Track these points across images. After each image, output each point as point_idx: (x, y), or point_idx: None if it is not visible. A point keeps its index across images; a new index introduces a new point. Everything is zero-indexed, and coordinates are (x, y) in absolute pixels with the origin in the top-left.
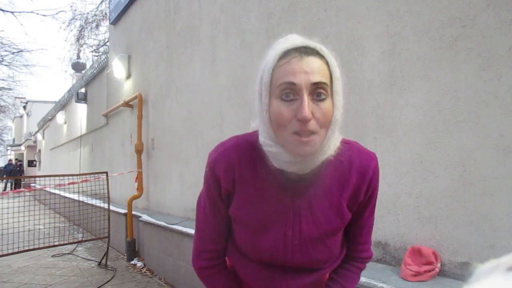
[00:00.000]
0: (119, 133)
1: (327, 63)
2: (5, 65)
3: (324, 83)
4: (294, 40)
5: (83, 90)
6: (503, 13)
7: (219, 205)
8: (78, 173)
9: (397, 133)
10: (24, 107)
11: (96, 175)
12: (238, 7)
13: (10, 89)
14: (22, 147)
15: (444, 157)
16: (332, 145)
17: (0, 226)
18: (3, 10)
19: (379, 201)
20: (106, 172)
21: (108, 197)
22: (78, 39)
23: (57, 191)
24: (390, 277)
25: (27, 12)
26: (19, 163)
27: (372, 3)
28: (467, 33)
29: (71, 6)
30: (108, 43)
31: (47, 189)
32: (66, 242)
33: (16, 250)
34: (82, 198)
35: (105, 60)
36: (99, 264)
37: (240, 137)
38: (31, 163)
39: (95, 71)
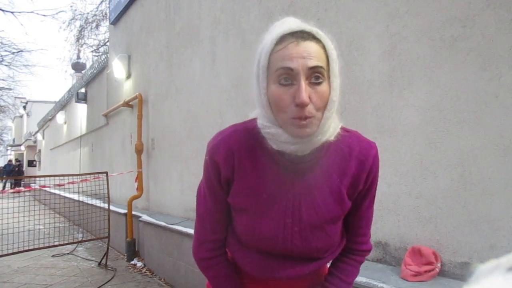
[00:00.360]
0: (119, 133)
1: (323, 47)
2: (5, 65)
3: (321, 67)
4: (290, 24)
5: (83, 90)
6: (503, 13)
7: (219, 193)
8: (78, 173)
9: (397, 133)
10: (24, 107)
11: (96, 175)
12: (238, 7)
13: (10, 89)
14: (22, 147)
15: (444, 157)
16: (331, 127)
17: (0, 226)
18: (3, 10)
19: (379, 201)
20: (106, 172)
21: (108, 197)
22: (78, 39)
23: (57, 191)
24: (390, 277)
25: (27, 12)
26: (17, 163)
27: (372, 3)
28: (467, 33)
29: (71, 6)
30: (108, 43)
31: (47, 189)
32: (66, 242)
33: (16, 250)
34: (82, 198)
35: (105, 60)
36: (99, 264)
37: (238, 124)
38: (31, 163)
39: (95, 71)
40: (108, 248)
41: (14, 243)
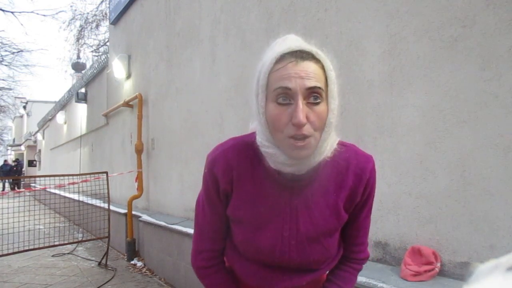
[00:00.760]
0: (119, 133)
1: (322, 67)
2: (5, 65)
3: (319, 88)
4: (291, 43)
5: (83, 90)
6: (503, 13)
7: (217, 205)
8: (78, 173)
9: (397, 133)
10: (24, 107)
11: (96, 175)
12: (238, 7)
13: (10, 89)
14: (22, 147)
15: (444, 157)
16: (328, 147)
17: (0, 226)
18: (3, 10)
19: (379, 201)
20: (106, 172)
21: (108, 197)
22: (78, 39)
23: (57, 191)
24: (390, 277)
25: (27, 12)
26: (14, 163)
27: (372, 3)
28: (467, 33)
29: (71, 6)
30: (108, 43)
31: (47, 189)
32: (66, 242)
33: (16, 250)
34: (82, 198)
35: (105, 60)
36: (99, 264)
37: (237, 138)
38: (31, 163)
39: (95, 71)
40: (108, 248)
41: (14, 243)
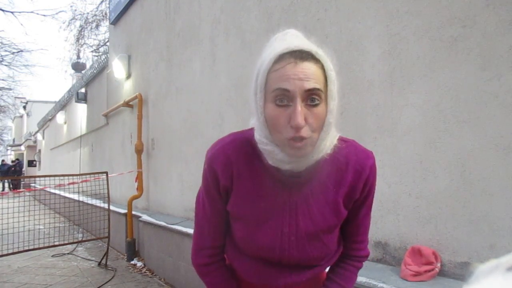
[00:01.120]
0: (119, 133)
1: (322, 67)
2: (5, 65)
3: (318, 89)
4: (290, 41)
5: (83, 90)
6: (503, 13)
7: (217, 201)
8: (78, 173)
9: (397, 133)
10: (24, 107)
11: (96, 175)
12: (238, 7)
13: (10, 89)
14: (22, 147)
15: (444, 157)
16: (327, 145)
17: (0, 226)
18: (3, 10)
19: (379, 201)
20: (106, 172)
21: (108, 197)
22: (78, 39)
23: (57, 191)
24: (390, 277)
25: (27, 12)
26: (13, 163)
27: (372, 3)
28: (467, 33)
29: (71, 6)
30: (108, 43)
31: (47, 189)
32: (66, 242)
33: (16, 250)
34: (82, 198)
35: (105, 60)
36: (99, 264)
37: (237, 133)
38: (31, 163)
39: (95, 71)
40: (108, 248)
41: (14, 243)
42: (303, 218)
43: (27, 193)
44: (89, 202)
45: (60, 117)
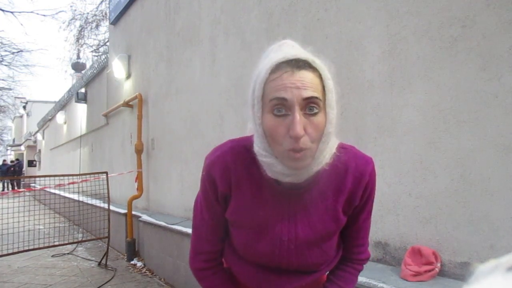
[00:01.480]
0: (119, 133)
1: (319, 76)
2: (5, 65)
3: (316, 98)
4: (286, 51)
5: (83, 90)
6: (503, 13)
7: (215, 207)
8: (78, 173)
9: (397, 133)
10: (24, 107)
11: (96, 175)
12: (238, 7)
13: (10, 89)
14: (22, 147)
15: (444, 157)
16: (326, 156)
17: (0, 226)
18: (3, 10)
19: (379, 201)
20: (106, 172)
21: (108, 197)
22: (78, 39)
23: (57, 191)
24: (390, 277)
25: (27, 12)
26: (12, 163)
27: (372, 3)
28: (467, 33)
29: (71, 6)
30: (108, 43)
31: (47, 189)
32: (66, 242)
33: (16, 250)
34: (82, 198)
35: (105, 60)
36: (99, 264)
37: (236, 141)
38: (31, 163)
39: (95, 71)
40: (108, 248)
41: (14, 243)
42: (302, 226)
43: (27, 193)
44: (89, 202)
45: (60, 117)
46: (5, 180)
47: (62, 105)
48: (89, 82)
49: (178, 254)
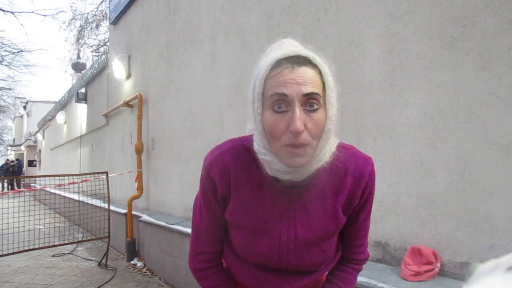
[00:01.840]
0: (119, 133)
1: (320, 73)
2: (5, 65)
3: (316, 94)
4: (287, 48)
5: (83, 90)
6: (503, 13)
7: (215, 207)
8: (78, 173)
9: (397, 133)
10: (24, 107)
11: (96, 175)
12: (238, 7)
13: (10, 89)
14: (22, 147)
15: (444, 157)
16: (326, 153)
17: (0, 226)
18: (3, 10)
19: (379, 201)
20: (106, 172)
21: (108, 197)
22: (78, 39)
23: (57, 191)
24: (390, 277)
25: (27, 12)
26: (11, 163)
27: (372, 3)
28: (467, 33)
29: (71, 6)
30: (108, 43)
31: (47, 189)
32: (66, 242)
33: (16, 250)
34: (82, 198)
35: (105, 60)
36: (99, 264)
37: (235, 140)
38: (31, 163)
39: (95, 71)
40: (108, 248)
41: (14, 243)
42: (301, 226)
43: (27, 193)
44: (89, 202)
45: (60, 117)
46: (5, 180)
47: (62, 105)
48: (89, 82)
49: (178, 254)
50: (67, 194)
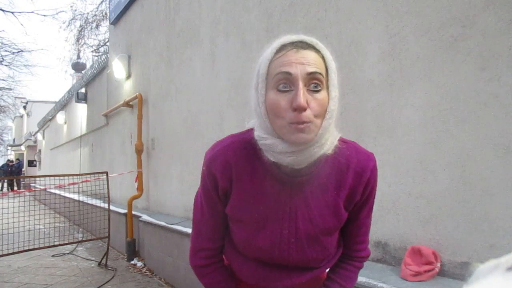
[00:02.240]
0: (119, 133)
1: (323, 58)
2: (5, 65)
3: (320, 73)
4: (291, 36)
5: (83, 90)
6: (503, 13)
7: (216, 203)
8: (78, 173)
9: (397, 133)
10: (24, 107)
11: (96, 175)
12: (238, 7)
13: (10, 89)
14: (22, 147)
15: (444, 157)
16: (329, 139)
17: (0, 226)
18: (3, 10)
19: (379, 201)
20: (106, 172)
21: (108, 197)
22: (78, 39)
23: (57, 191)
24: (390, 277)
25: (28, 12)
26: (11, 163)
27: (372, 3)
28: (467, 33)
29: (71, 6)
30: (108, 43)
31: (47, 189)
32: (66, 242)
33: (16, 250)
34: (82, 198)
35: (105, 60)
36: (99, 264)
37: (236, 135)
38: (31, 163)
39: (95, 71)
40: (108, 248)
41: (14, 243)
42: (303, 221)
43: (27, 193)
44: (89, 202)
45: (60, 117)
46: (5, 180)
47: (62, 105)
48: (89, 82)
49: (178, 254)
50: (67, 194)
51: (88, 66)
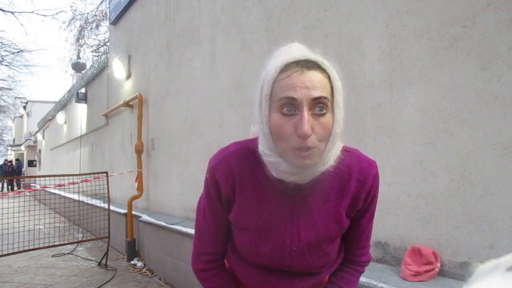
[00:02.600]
0: (119, 133)
1: (328, 77)
2: (5, 65)
3: (325, 98)
4: (295, 52)
5: (83, 90)
6: (503, 13)
7: (219, 210)
8: (78, 173)
9: (397, 133)
10: (24, 107)
11: (96, 175)
12: (238, 7)
13: (10, 89)
14: (22, 147)
15: (444, 157)
16: (332, 157)
17: (0, 226)
18: (3, 10)
19: (379, 201)
20: (106, 172)
21: (108, 197)
22: (78, 39)
23: (57, 191)
24: (390, 277)
25: (28, 12)
26: (9, 163)
27: (372, 3)
28: (467, 33)
29: (71, 6)
30: (108, 43)
31: (47, 189)
32: (66, 242)
33: (16, 250)
34: (82, 198)
35: (105, 60)
36: (99, 264)
37: (240, 143)
38: (31, 163)
39: (95, 71)
40: (108, 248)
41: (14, 243)
42: (305, 229)
43: (27, 193)
44: (89, 202)
45: (60, 117)
46: (5, 180)
47: (62, 105)
48: (89, 82)
49: (178, 254)
50: (67, 194)
51: (88, 66)
